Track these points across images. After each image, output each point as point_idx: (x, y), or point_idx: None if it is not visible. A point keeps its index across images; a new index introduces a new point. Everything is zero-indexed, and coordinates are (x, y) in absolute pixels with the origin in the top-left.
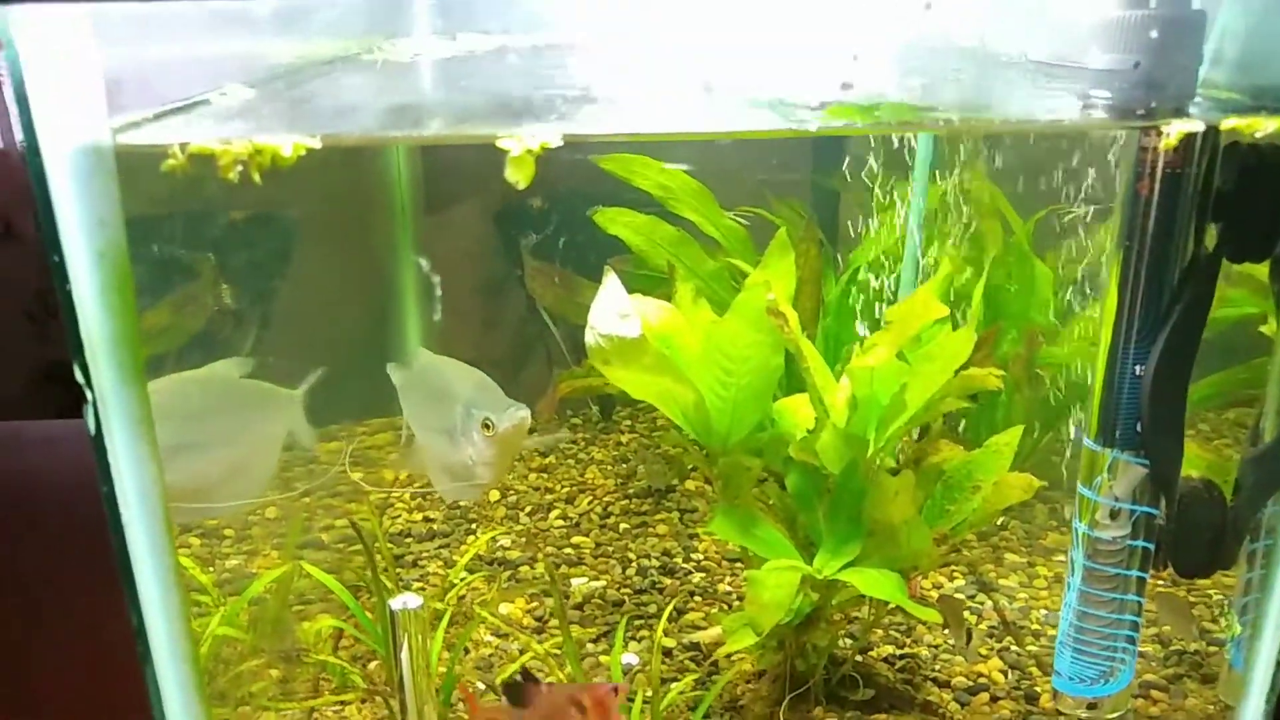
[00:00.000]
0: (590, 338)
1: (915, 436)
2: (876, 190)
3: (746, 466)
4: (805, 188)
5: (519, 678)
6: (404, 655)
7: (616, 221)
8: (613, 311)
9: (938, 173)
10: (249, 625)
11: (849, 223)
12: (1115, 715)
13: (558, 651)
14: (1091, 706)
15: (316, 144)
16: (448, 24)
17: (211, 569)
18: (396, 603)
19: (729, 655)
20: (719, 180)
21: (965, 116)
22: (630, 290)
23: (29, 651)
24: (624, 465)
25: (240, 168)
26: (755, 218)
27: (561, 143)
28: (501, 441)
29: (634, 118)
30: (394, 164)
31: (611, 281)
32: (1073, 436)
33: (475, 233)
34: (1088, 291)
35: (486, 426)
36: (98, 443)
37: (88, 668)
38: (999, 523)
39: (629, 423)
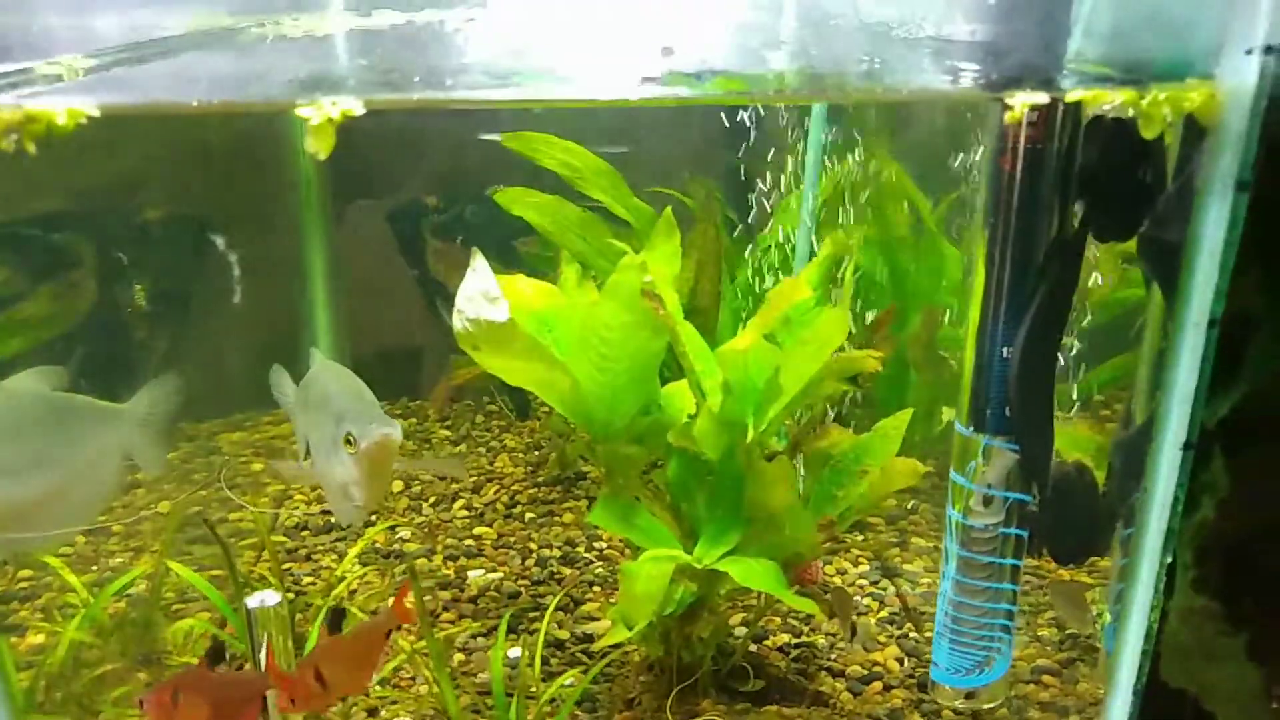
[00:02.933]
0: (458, 322)
1: (803, 420)
2: (783, 169)
3: (627, 454)
4: (719, 167)
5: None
6: (263, 655)
7: (520, 201)
8: (480, 294)
9: (843, 151)
10: (114, 627)
11: (761, 202)
12: (993, 704)
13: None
14: (969, 696)
15: (94, 111)
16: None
17: (95, 567)
18: (254, 600)
19: (605, 650)
20: (634, 160)
21: (846, 87)
22: (537, 272)
23: None
24: (536, 453)
25: (14, 137)
26: (672, 199)
27: (364, 110)
28: (365, 460)
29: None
30: (298, 145)
31: (479, 264)
32: None
33: (380, 214)
34: None
35: (349, 443)
36: None
37: None
38: (909, 506)
39: (546, 408)
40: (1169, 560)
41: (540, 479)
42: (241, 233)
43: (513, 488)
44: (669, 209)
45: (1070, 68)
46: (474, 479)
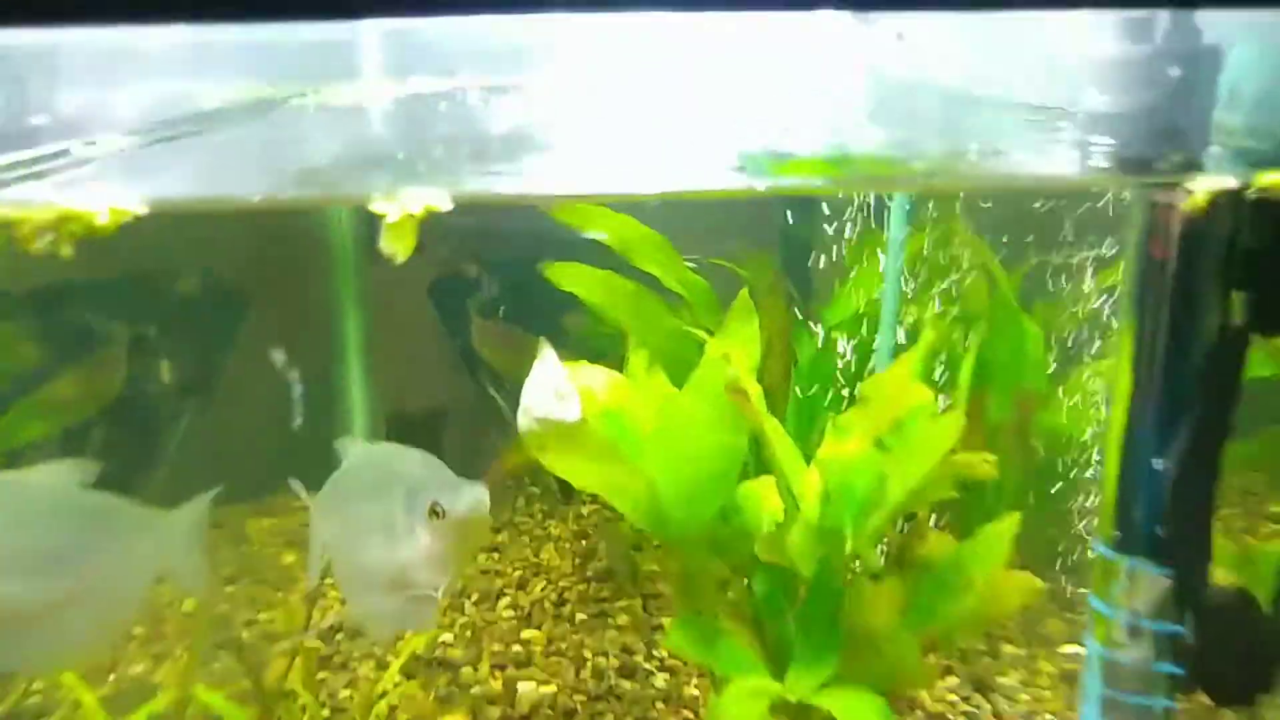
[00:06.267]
0: (523, 422)
1: (899, 528)
2: (851, 240)
3: (707, 567)
4: (774, 236)
5: None
6: None
7: (569, 276)
8: (548, 390)
9: (918, 224)
10: None
11: (823, 274)
12: None
13: None
14: None
15: (141, 210)
16: (400, 64)
17: (112, 677)
18: None
19: None
20: (679, 228)
21: (950, 173)
22: (587, 351)
23: None
24: (583, 542)
25: (49, 238)
26: (718, 267)
27: (451, 206)
28: (456, 529)
29: (566, 179)
30: (335, 222)
31: (547, 356)
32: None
33: (420, 292)
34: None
35: (435, 514)
36: None
37: None
38: None
39: (592, 495)
40: None
41: (590, 573)
42: (273, 309)
43: (560, 583)
44: (745, 290)
45: (1216, 141)
46: (519, 573)
